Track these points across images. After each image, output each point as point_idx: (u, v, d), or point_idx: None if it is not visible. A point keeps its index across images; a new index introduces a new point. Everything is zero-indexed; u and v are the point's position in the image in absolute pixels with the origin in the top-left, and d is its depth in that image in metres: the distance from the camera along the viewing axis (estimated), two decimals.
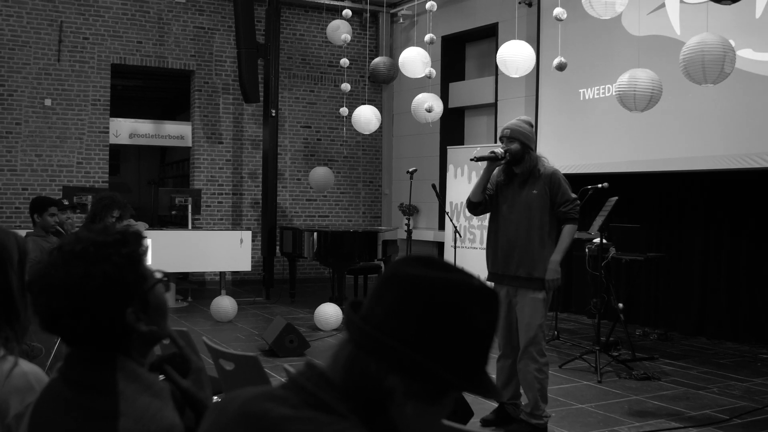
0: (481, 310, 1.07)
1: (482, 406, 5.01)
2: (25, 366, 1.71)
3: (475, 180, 9.69)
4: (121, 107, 12.11)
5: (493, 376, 4.60)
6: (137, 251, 1.44)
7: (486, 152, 4.72)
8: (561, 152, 8.98)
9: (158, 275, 1.49)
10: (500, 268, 4.62)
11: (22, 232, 5.98)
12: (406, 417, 1.07)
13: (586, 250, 6.84)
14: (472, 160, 4.79)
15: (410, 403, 1.06)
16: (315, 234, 9.43)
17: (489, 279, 4.72)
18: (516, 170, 4.59)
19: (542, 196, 4.50)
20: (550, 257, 4.47)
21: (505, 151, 4.53)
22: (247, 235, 9.30)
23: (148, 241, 1.49)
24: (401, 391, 1.05)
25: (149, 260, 1.52)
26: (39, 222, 5.71)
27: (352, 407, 1.06)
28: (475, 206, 4.74)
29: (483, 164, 4.70)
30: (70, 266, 1.38)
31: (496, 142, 10.09)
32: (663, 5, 7.68)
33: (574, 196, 4.55)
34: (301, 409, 1.06)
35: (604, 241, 6.35)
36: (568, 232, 4.52)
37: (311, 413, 1.05)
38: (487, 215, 4.88)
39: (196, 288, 10.83)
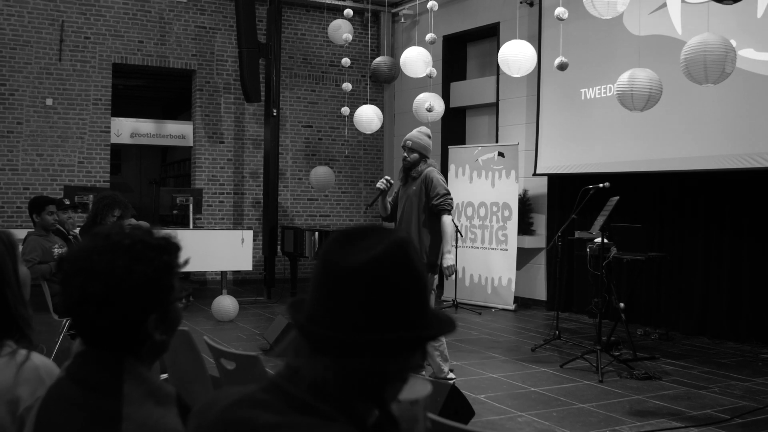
0: (417, 257, 1.12)
1: (483, 406, 5.02)
2: (37, 360, 1.72)
3: (476, 179, 9.74)
4: (123, 107, 12.12)
5: None
6: (175, 261, 1.46)
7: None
8: (562, 152, 8.99)
9: (185, 291, 1.50)
10: None
11: (24, 232, 6.01)
12: (397, 387, 1.11)
13: (588, 250, 6.84)
14: (368, 207, 5.78)
15: (403, 374, 1.10)
16: (316, 233, 9.43)
17: None
18: (412, 174, 5.37)
19: (418, 191, 5.28)
20: (428, 243, 5.22)
21: (387, 181, 5.42)
22: (249, 235, 9.30)
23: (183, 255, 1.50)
24: (401, 370, 1.09)
25: None
26: (38, 221, 5.72)
27: (342, 408, 1.05)
28: (384, 219, 5.65)
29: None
30: (115, 257, 1.39)
31: (497, 142, 10.12)
32: (664, 5, 7.68)
33: (445, 191, 5.27)
34: (287, 414, 1.04)
35: (606, 240, 6.35)
36: (445, 222, 5.24)
37: (299, 418, 1.03)
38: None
39: (197, 287, 10.83)
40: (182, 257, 1.48)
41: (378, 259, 1.07)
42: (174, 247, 1.47)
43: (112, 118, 11.05)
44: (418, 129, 5.53)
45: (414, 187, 5.32)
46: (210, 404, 1.15)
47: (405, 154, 5.38)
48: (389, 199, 5.62)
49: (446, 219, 5.24)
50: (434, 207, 5.23)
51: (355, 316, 1.06)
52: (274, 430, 1.03)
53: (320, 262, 1.12)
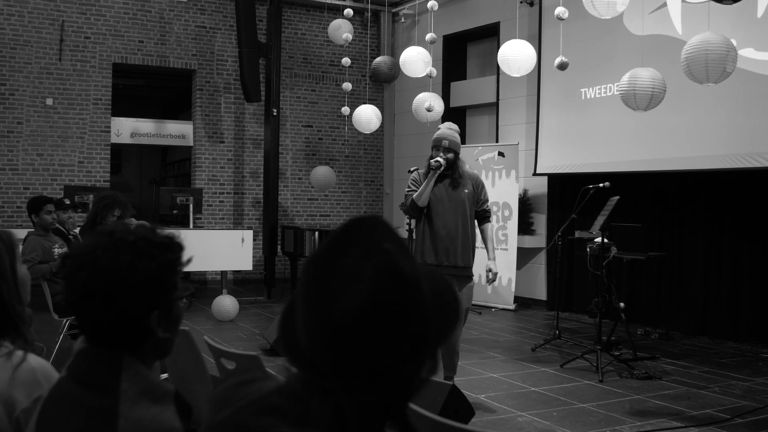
0: (404, 261, 1.00)
1: (483, 406, 5.02)
2: (34, 361, 1.72)
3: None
4: (123, 106, 12.12)
5: None
6: (178, 259, 1.47)
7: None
8: (562, 151, 8.99)
9: (187, 290, 1.50)
10: (440, 259, 5.05)
11: (24, 232, 6.00)
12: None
13: (588, 250, 6.84)
14: (435, 167, 5.07)
15: (421, 386, 1.06)
16: (316, 233, 9.43)
17: None
18: (445, 172, 5.09)
19: (471, 195, 5.15)
20: (473, 248, 5.19)
21: (445, 160, 5.06)
22: (249, 235, 9.30)
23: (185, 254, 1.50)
24: (414, 387, 1.05)
25: None
26: (37, 221, 5.73)
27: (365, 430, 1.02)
28: (420, 210, 5.11)
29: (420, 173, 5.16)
30: (119, 253, 1.39)
31: (497, 142, 10.12)
32: (664, 5, 7.68)
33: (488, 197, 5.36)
34: (304, 427, 1.00)
35: (606, 240, 6.34)
36: (492, 230, 5.34)
37: None
38: None
39: (197, 287, 10.83)
40: (185, 257, 1.49)
41: (371, 299, 0.96)
42: (177, 246, 1.48)
43: (112, 118, 11.04)
44: (447, 126, 5.25)
45: (466, 191, 5.10)
46: (225, 398, 1.12)
47: (441, 155, 5.02)
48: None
49: (491, 226, 5.34)
50: (482, 212, 5.20)
51: (362, 363, 0.98)
52: None
53: (306, 306, 1.01)
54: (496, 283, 5.25)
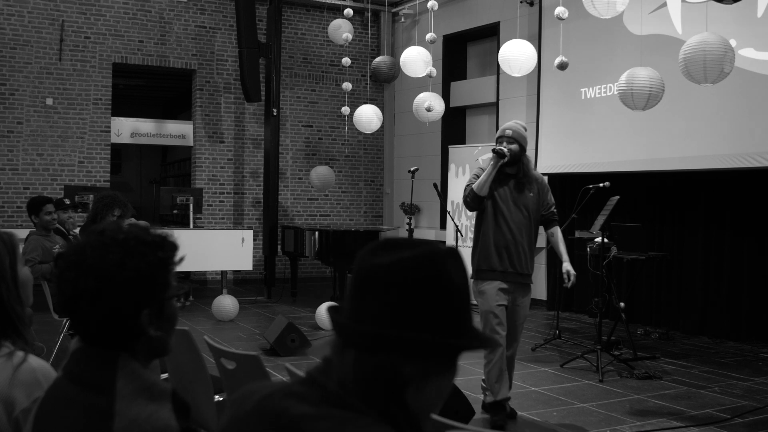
0: (455, 270, 1.11)
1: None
2: (34, 362, 1.73)
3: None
4: (123, 106, 12.12)
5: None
6: (170, 258, 1.47)
7: (488, 151, 4.90)
8: (562, 151, 8.99)
9: (181, 289, 1.50)
10: (505, 265, 4.70)
11: (24, 231, 6.01)
12: (425, 396, 1.10)
13: (588, 250, 6.84)
14: (498, 153, 4.67)
15: (429, 382, 1.09)
16: (316, 233, 9.42)
17: (484, 277, 4.74)
18: (508, 171, 4.73)
19: (536, 198, 4.80)
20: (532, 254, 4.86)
21: (508, 151, 4.67)
22: (249, 234, 9.30)
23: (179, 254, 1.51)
24: (420, 375, 1.08)
25: None
26: (37, 222, 5.74)
27: (369, 404, 1.07)
28: (481, 200, 4.71)
29: (483, 160, 4.88)
30: (108, 251, 1.39)
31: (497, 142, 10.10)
32: (664, 4, 7.68)
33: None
34: (321, 406, 1.06)
35: (606, 240, 6.35)
36: (561, 234, 4.96)
37: (331, 410, 1.05)
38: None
39: (197, 287, 10.83)
40: (178, 255, 1.48)
41: (406, 260, 1.08)
42: (169, 245, 1.47)
43: (113, 118, 11.05)
44: (514, 121, 4.93)
45: (531, 194, 4.77)
46: (247, 395, 1.16)
47: (504, 145, 4.66)
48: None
49: (559, 228, 4.99)
50: (549, 215, 4.89)
51: (375, 310, 1.07)
52: (307, 421, 1.04)
53: (357, 262, 1.14)
54: (573, 281, 4.88)
